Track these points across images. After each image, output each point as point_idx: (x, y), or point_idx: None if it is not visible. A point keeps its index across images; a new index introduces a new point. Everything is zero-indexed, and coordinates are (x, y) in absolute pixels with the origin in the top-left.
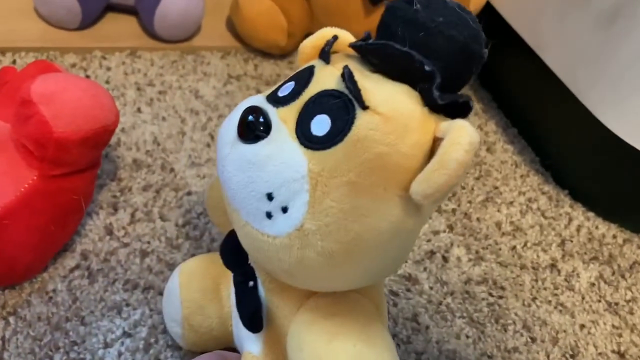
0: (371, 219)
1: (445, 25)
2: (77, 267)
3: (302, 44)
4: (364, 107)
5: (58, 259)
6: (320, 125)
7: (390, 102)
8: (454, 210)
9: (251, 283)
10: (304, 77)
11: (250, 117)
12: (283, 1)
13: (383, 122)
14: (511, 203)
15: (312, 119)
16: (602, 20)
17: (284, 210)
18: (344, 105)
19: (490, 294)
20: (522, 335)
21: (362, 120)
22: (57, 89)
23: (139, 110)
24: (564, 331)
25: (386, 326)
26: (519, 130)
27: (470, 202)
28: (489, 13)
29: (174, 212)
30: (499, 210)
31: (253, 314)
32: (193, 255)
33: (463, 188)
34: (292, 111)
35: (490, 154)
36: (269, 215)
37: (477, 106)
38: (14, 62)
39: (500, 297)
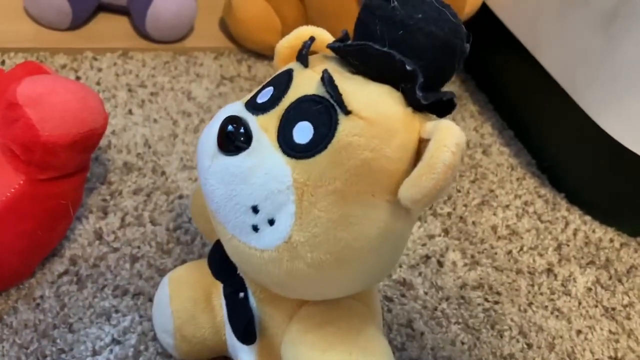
0: (360, 226)
1: (424, 22)
2: (66, 272)
3: (279, 44)
4: (347, 112)
5: (46, 264)
6: (303, 132)
7: (373, 105)
8: (449, 214)
9: (241, 294)
10: (283, 82)
11: (230, 128)
12: (277, 2)
13: (367, 126)
14: (507, 206)
15: (293, 126)
16: (599, 22)
17: (271, 222)
18: (325, 111)
19: (486, 299)
20: (518, 341)
21: (345, 126)
22: (44, 91)
23: (130, 112)
24: (561, 337)
25: (381, 328)
26: (515, 133)
27: (465, 205)
28: (485, 15)
29: (165, 217)
30: (494, 214)
31: (245, 327)
32: (184, 260)
33: (459, 191)
34: (272, 119)
35: (486, 156)
36: (255, 228)
37: (472, 108)
38: (3, 62)
39: (496, 303)
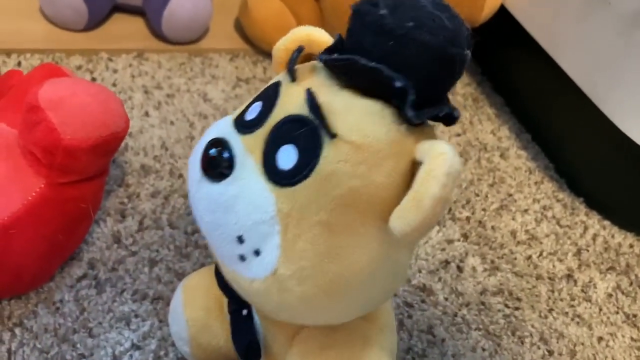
0: (350, 258)
1: (416, 31)
2: (85, 276)
3: (275, 47)
4: (332, 136)
5: (65, 268)
6: (287, 157)
7: (360, 127)
8: (468, 219)
9: (245, 311)
10: (271, 98)
11: (213, 152)
12: (293, 3)
13: (353, 151)
14: (526, 211)
15: (278, 149)
16: (621, 25)
17: (257, 253)
18: (310, 134)
19: (506, 305)
20: (539, 348)
21: (330, 152)
22: (65, 94)
23: (146, 114)
24: (582, 344)
25: (390, 344)
26: (533, 136)
27: (484, 209)
28: (503, 16)
29: (183, 220)
30: (513, 219)
31: (248, 345)
32: (203, 264)
33: (477, 195)
34: (258, 139)
35: (503, 160)
36: (242, 258)
37: (489, 111)
38: (19, 63)
39: (517, 309)
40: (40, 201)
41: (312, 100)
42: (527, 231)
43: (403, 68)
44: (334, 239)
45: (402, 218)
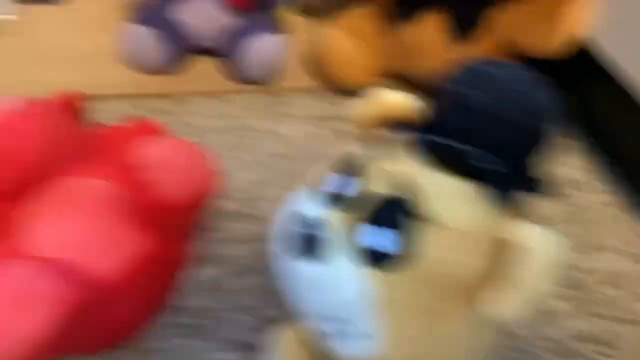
0: (449, 341)
1: (504, 111)
2: (176, 324)
3: (355, 111)
4: (431, 221)
5: (157, 316)
6: (381, 239)
7: (459, 212)
8: None
9: None
10: (360, 173)
11: (305, 231)
12: (369, 39)
13: (455, 238)
14: (609, 248)
15: (372, 230)
16: None
17: (352, 334)
18: (406, 218)
19: (599, 352)
20: None
21: (431, 238)
22: (168, 154)
23: (224, 155)
24: None
25: None
26: (612, 169)
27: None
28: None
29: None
30: (597, 258)
31: None
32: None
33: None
34: (352, 218)
35: (581, 192)
36: (338, 335)
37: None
38: (98, 109)
39: (609, 357)
40: (143, 258)
41: (407, 183)
42: (611, 271)
43: (492, 147)
44: (431, 323)
45: (505, 307)
